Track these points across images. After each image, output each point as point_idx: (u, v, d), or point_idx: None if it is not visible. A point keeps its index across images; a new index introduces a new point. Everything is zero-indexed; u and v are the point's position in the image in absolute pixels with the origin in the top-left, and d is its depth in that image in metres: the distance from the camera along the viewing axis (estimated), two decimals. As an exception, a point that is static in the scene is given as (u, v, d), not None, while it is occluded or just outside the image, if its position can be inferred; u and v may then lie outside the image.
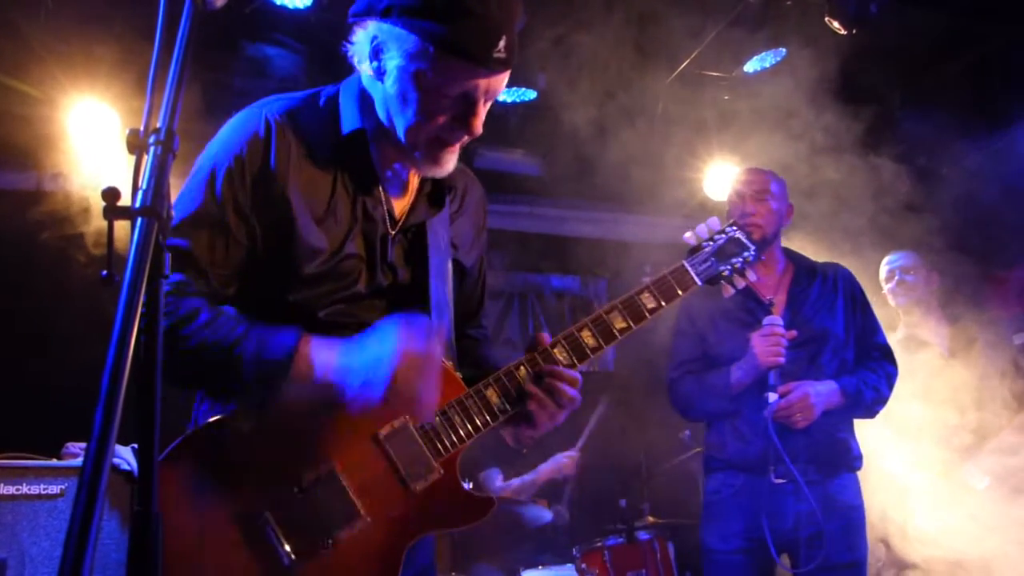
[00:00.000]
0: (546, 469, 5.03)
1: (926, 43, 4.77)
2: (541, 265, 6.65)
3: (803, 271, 3.25)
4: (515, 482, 4.97)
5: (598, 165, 5.21)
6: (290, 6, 4.17)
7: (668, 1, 4.26)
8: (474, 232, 1.97)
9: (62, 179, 4.64)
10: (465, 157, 1.90)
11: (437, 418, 1.63)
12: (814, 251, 4.75)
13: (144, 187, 1.02)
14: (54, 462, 2.99)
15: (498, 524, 4.48)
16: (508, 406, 1.68)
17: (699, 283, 1.93)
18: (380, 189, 1.73)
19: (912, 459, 4.04)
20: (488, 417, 1.67)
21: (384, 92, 1.64)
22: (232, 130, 1.66)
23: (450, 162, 1.70)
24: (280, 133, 1.63)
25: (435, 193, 1.82)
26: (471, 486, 4.39)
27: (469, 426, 1.64)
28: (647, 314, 1.81)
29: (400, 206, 1.76)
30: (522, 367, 1.70)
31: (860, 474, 3.13)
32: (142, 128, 1.06)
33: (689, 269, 1.92)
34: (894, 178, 4.43)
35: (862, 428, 3.31)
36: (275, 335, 1.53)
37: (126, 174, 1.05)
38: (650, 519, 4.87)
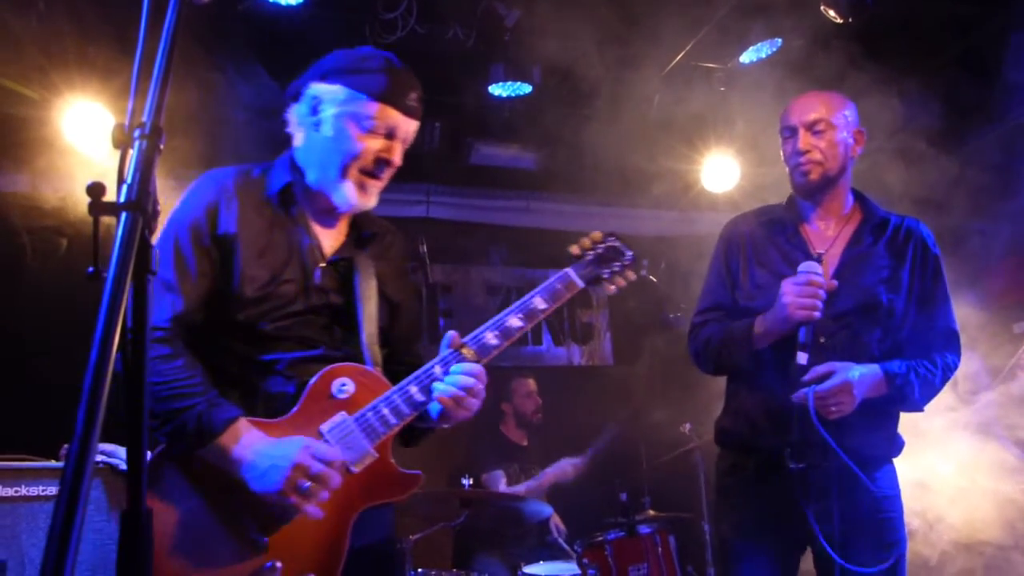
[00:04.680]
0: (551, 473, 5.05)
1: (923, 30, 4.75)
2: (538, 260, 6.63)
3: (869, 226, 2.68)
4: (520, 487, 4.97)
5: (594, 159, 5.20)
6: (283, 3, 4.16)
7: (662, -8, 4.25)
8: (396, 275, 2.29)
9: (57, 180, 4.63)
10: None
11: (370, 412, 1.96)
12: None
13: (129, 182, 1.01)
14: (52, 463, 2.98)
15: (500, 520, 4.48)
16: (426, 397, 1.99)
17: (581, 284, 2.24)
18: (310, 230, 2.13)
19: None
20: (410, 408, 1.98)
21: (320, 140, 2.06)
22: (192, 192, 2.10)
23: (374, 194, 2.10)
24: (228, 194, 2.06)
25: (360, 237, 2.21)
26: (471, 482, 4.42)
27: (396, 417, 1.97)
28: (539, 315, 2.15)
29: (330, 244, 2.16)
30: (436, 366, 2.02)
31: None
32: (127, 123, 1.04)
33: (573, 275, 2.24)
34: (892, 166, 4.41)
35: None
36: (220, 406, 1.87)
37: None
38: (651, 512, 4.86)
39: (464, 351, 2.03)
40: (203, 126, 4.38)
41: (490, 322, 2.09)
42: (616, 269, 2.32)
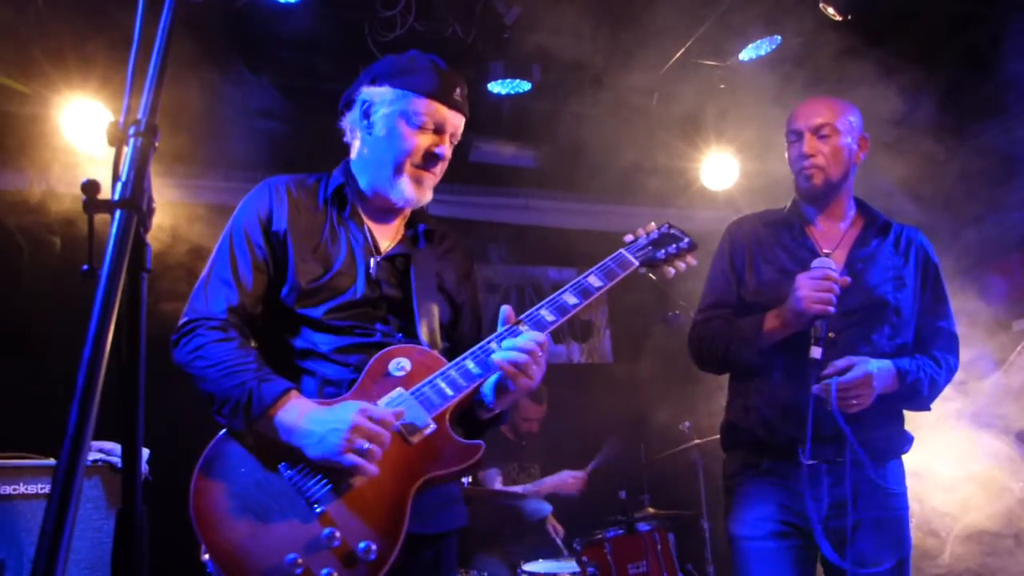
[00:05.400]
0: (550, 483, 5.04)
1: (923, 27, 4.74)
2: (538, 258, 6.62)
3: (873, 229, 2.74)
4: (518, 490, 4.96)
5: (593, 157, 5.19)
6: (282, 0, 4.15)
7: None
8: (459, 277, 2.33)
9: (54, 178, 4.62)
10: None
11: (426, 386, 1.99)
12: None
13: (124, 179, 1.00)
14: (51, 461, 2.98)
15: (500, 518, 4.47)
16: (483, 371, 2.01)
17: (636, 263, 2.27)
18: (365, 227, 2.21)
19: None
20: (468, 380, 2.01)
21: (373, 141, 2.17)
22: (248, 198, 2.21)
23: (429, 188, 2.19)
24: (279, 196, 2.18)
25: (416, 236, 2.29)
26: (469, 480, 4.41)
27: (453, 389, 2.00)
28: (594, 292, 2.17)
29: (385, 240, 2.24)
30: (493, 342, 2.05)
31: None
32: (121, 120, 1.04)
33: (627, 254, 2.30)
34: (892, 163, 4.41)
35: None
36: (271, 380, 1.92)
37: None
38: (650, 510, 4.86)
39: (520, 327, 2.06)
40: (201, 124, 4.37)
41: (546, 300, 2.14)
42: (673, 252, 2.38)
